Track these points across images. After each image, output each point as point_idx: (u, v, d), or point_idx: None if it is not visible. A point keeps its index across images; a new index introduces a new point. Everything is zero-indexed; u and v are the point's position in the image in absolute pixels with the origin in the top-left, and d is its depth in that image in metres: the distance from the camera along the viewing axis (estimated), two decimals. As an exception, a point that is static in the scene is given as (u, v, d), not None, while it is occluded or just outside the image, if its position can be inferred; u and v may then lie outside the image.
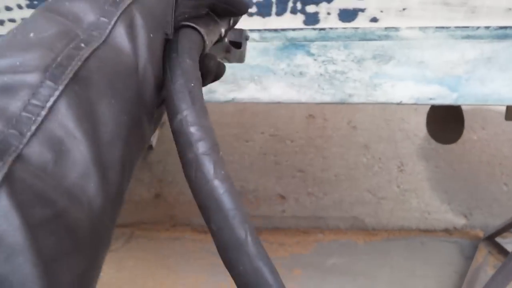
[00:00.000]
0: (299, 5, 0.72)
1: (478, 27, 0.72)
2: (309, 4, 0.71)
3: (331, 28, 0.74)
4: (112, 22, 0.31)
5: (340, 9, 0.71)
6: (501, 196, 1.87)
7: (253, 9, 0.73)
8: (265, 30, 0.75)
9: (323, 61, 0.77)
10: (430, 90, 0.79)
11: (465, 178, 1.96)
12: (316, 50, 0.76)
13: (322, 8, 0.72)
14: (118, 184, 0.29)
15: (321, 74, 0.79)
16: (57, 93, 0.25)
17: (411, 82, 0.79)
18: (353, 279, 1.67)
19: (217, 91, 0.84)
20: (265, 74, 0.80)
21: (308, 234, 1.83)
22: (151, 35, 0.34)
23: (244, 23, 0.76)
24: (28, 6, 0.79)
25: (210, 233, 0.29)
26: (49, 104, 0.25)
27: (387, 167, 2.03)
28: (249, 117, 2.28)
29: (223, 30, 0.48)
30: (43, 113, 0.24)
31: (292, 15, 0.73)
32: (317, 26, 0.74)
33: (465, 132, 1.73)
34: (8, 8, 0.80)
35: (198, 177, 0.29)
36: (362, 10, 0.71)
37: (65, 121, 0.25)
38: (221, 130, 2.21)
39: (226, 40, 0.52)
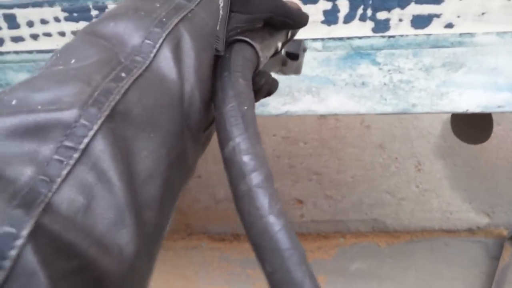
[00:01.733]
0: (369, 12, 0.66)
1: (559, 32, 0.67)
2: (380, 10, 0.66)
3: (401, 36, 0.69)
4: (157, 45, 0.29)
5: (413, 15, 0.66)
6: (522, 193, 1.85)
7: (319, 17, 0.67)
8: (329, 39, 0.70)
9: (388, 70, 0.72)
10: (499, 97, 0.74)
11: (484, 176, 1.92)
12: (383, 58, 0.71)
13: (394, 14, 0.66)
14: (156, 223, 0.28)
15: (385, 84, 0.74)
16: (91, 133, 0.23)
17: (480, 90, 0.74)
18: (379, 284, 1.63)
19: (269, 104, 0.78)
20: (323, 86, 0.75)
21: (329, 238, 1.78)
22: (201, 55, 0.32)
23: (306, 33, 0.70)
24: (67, 19, 0.72)
25: (263, 274, 0.26)
26: (82, 146, 0.23)
27: (404, 166, 1.99)
28: (259, 119, 2.21)
29: (279, 44, 0.45)
30: (76, 155, 0.23)
31: (361, 23, 0.67)
32: (387, 33, 0.69)
33: (481, 128, 1.70)
34: (43, 22, 0.73)
35: (252, 212, 0.27)
36: (438, 16, 0.66)
37: (98, 163, 0.23)
38: (231, 133, 2.15)
39: (282, 52, 0.48)
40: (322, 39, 0.70)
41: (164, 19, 0.31)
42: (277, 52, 0.45)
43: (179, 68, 0.30)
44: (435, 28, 0.68)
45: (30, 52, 0.78)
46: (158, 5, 0.32)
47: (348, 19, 0.67)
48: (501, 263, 1.62)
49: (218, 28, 0.35)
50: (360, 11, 0.66)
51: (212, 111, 0.35)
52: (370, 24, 0.68)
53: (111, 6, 0.69)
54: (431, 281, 1.62)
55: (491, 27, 0.67)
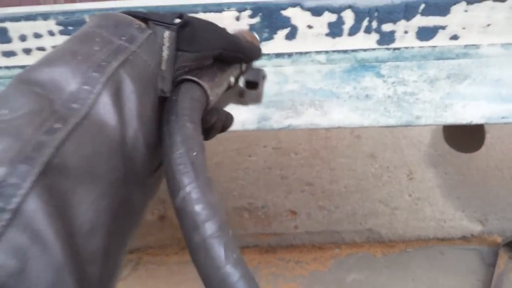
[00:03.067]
0: (374, 24, 0.65)
1: None
2: (386, 22, 0.65)
3: (406, 48, 0.68)
4: (95, 91, 0.28)
5: (419, 27, 0.66)
6: (513, 199, 1.86)
7: (323, 30, 0.66)
8: (334, 51, 0.69)
9: (393, 83, 0.71)
10: (503, 108, 0.74)
11: (475, 184, 1.93)
12: (387, 71, 0.70)
13: (400, 26, 0.65)
14: (101, 276, 0.27)
15: (389, 96, 0.73)
16: (22, 192, 0.22)
17: (484, 101, 0.73)
18: (376, 295, 1.62)
19: (272, 118, 0.77)
20: (327, 99, 0.73)
21: (324, 249, 1.77)
22: (143, 98, 0.31)
23: (311, 45, 0.69)
24: (62, 33, 0.70)
25: None
26: (12, 206, 0.21)
27: (396, 176, 1.99)
28: (250, 132, 2.21)
29: (232, 79, 0.44)
30: (6, 217, 0.21)
31: (366, 35, 0.67)
32: (392, 45, 0.68)
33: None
34: (37, 35, 0.71)
35: (208, 264, 0.26)
36: (443, 28, 0.66)
37: (32, 223, 0.22)
38: (221, 145, 2.13)
39: (240, 82, 0.47)
40: (326, 52, 0.69)
41: (103, 63, 0.30)
42: (230, 86, 0.44)
43: (120, 113, 0.29)
44: (440, 40, 0.67)
45: (23, 67, 0.76)
46: (97, 49, 0.30)
47: (353, 31, 0.66)
48: (497, 270, 1.62)
49: (164, 68, 0.34)
50: (365, 23, 0.65)
51: (159, 155, 0.33)
52: (375, 36, 0.67)
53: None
54: (428, 291, 1.62)
55: (495, 39, 0.67)
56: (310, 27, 0.66)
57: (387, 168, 2.03)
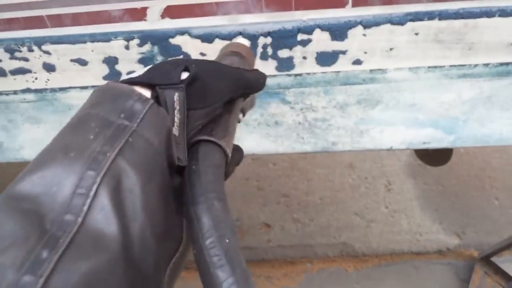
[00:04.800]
0: (270, 50, 0.62)
1: (476, 65, 0.63)
2: (281, 48, 0.61)
3: (308, 73, 0.64)
4: (92, 193, 0.25)
5: (317, 53, 0.62)
6: (493, 212, 1.80)
7: (217, 57, 0.63)
8: (233, 78, 0.65)
9: (301, 109, 0.68)
10: (423, 133, 0.70)
11: (455, 195, 1.88)
12: (293, 97, 0.67)
13: (297, 52, 0.62)
14: None
15: (299, 123, 0.69)
16: None
17: (402, 127, 0.69)
18: (346, 312, 1.57)
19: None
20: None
21: (295, 264, 1.73)
22: (147, 187, 0.28)
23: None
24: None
25: None
26: None
27: (374, 186, 1.94)
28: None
29: (241, 116, 0.42)
30: None
31: (263, 61, 0.63)
32: (292, 71, 0.64)
33: (452, 146, 1.65)
34: None
35: None
36: (343, 52, 0.62)
37: None
38: (198, 155, 2.11)
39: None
40: (226, 79, 0.65)
41: (99, 156, 0.26)
42: (239, 122, 0.41)
43: (121, 213, 0.26)
44: (343, 65, 0.63)
45: None
46: (91, 137, 0.27)
47: (249, 58, 0.63)
48: (471, 286, 1.57)
49: (177, 133, 0.31)
50: (259, 49, 0.62)
51: (173, 240, 0.31)
52: (273, 63, 0.63)
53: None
54: (399, 308, 1.57)
55: (401, 63, 0.63)
56: (203, 54, 0.62)
57: (365, 179, 1.99)
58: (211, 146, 0.33)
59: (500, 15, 0.58)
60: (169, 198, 0.31)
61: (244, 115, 0.45)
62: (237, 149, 0.40)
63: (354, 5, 0.57)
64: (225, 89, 0.35)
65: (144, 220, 0.27)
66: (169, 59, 0.36)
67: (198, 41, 0.61)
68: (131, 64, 0.64)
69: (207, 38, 0.61)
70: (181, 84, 0.31)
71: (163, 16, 0.60)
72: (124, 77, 0.33)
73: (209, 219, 0.28)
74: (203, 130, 0.34)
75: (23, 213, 0.24)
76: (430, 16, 0.58)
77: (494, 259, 1.60)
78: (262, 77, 0.40)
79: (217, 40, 0.61)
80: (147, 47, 0.62)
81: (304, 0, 0.57)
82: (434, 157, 1.47)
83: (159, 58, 0.63)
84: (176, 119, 0.31)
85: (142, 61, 0.64)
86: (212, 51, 0.62)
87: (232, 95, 0.36)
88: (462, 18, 0.58)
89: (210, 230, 0.27)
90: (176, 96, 0.31)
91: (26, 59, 0.65)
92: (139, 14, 0.60)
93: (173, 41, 0.61)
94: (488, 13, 0.58)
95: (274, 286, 1.66)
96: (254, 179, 2.02)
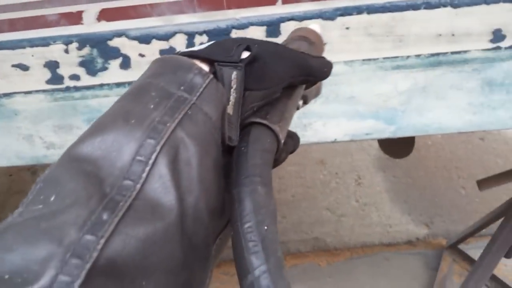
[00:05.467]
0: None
1: (408, 56, 0.65)
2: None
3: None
4: (151, 162, 0.25)
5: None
6: (460, 200, 1.84)
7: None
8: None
9: (244, 105, 0.69)
10: (365, 125, 0.72)
11: (423, 186, 1.92)
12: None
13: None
14: None
15: (244, 119, 0.71)
16: None
17: (343, 119, 0.71)
18: (319, 306, 1.60)
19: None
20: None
21: (269, 261, 1.74)
22: (204, 160, 0.28)
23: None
24: None
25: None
26: None
27: (345, 181, 1.97)
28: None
29: (300, 102, 0.40)
30: None
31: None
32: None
33: (420, 138, 1.69)
34: None
35: None
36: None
37: None
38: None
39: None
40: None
41: (159, 126, 0.26)
42: (298, 109, 0.40)
43: (178, 184, 0.26)
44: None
45: None
46: (152, 106, 0.28)
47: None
48: (439, 274, 1.60)
49: (231, 112, 0.31)
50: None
51: (223, 215, 0.31)
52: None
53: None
54: (371, 299, 1.60)
55: (336, 57, 0.65)
56: (142, 55, 0.63)
57: (336, 174, 2.01)
58: (263, 129, 0.32)
59: (425, 8, 0.60)
60: (221, 176, 0.31)
61: (306, 103, 0.43)
62: (292, 136, 0.39)
63: (285, 1, 0.59)
64: (285, 73, 0.34)
65: (199, 193, 0.27)
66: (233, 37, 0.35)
67: (136, 42, 0.62)
68: (72, 67, 0.65)
69: (145, 39, 0.62)
70: (241, 63, 0.31)
71: (99, 19, 0.61)
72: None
73: (251, 203, 0.27)
74: (258, 112, 0.33)
75: (84, 174, 0.25)
76: (358, 10, 0.60)
77: (461, 246, 1.64)
78: (328, 65, 0.39)
79: (154, 41, 0.62)
80: (86, 50, 0.63)
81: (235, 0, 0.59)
82: (397, 149, 1.50)
83: (99, 61, 0.64)
84: (232, 98, 0.31)
85: (83, 64, 0.64)
86: (150, 51, 0.63)
87: (292, 80, 0.35)
88: (389, 11, 0.60)
89: (249, 214, 0.27)
90: (234, 74, 0.31)
91: (-34, 67, 0.65)
92: (75, 17, 0.61)
93: (111, 43, 0.62)
94: (413, 6, 0.60)
95: (248, 284, 1.68)
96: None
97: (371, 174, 1.99)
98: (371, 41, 0.63)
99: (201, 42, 0.61)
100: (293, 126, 0.70)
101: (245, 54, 0.32)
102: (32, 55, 0.63)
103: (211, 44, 0.33)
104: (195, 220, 0.27)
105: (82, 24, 0.61)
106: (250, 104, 0.33)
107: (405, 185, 1.93)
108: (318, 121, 0.71)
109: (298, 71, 0.35)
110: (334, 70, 0.66)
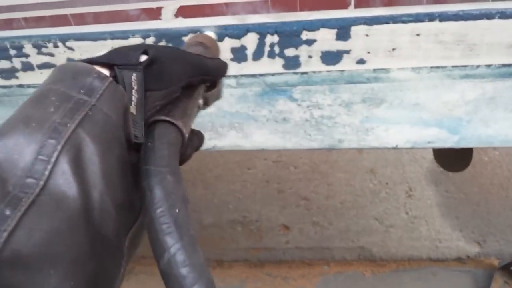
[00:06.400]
0: (277, 49, 0.65)
1: (478, 66, 0.65)
2: (288, 47, 0.65)
3: (314, 72, 0.67)
4: (53, 160, 0.26)
5: (322, 52, 0.65)
6: (515, 221, 1.78)
7: (228, 55, 0.66)
8: (242, 75, 0.69)
9: (307, 106, 0.71)
10: (428, 133, 0.72)
11: (477, 203, 1.86)
12: (300, 95, 0.70)
13: (303, 51, 0.65)
14: None
15: (306, 120, 0.72)
16: None
17: (406, 126, 0.71)
18: (361, 315, 1.58)
19: (196, 139, 0.77)
20: (245, 121, 0.73)
21: (312, 266, 1.74)
22: (107, 157, 0.29)
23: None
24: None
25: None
26: None
27: (395, 192, 1.94)
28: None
29: (201, 102, 0.42)
30: None
31: (270, 59, 0.66)
32: (299, 70, 0.67)
33: (475, 153, 1.64)
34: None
35: None
36: (347, 52, 0.64)
37: None
38: (222, 157, 2.15)
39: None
40: (235, 76, 0.69)
41: (59, 127, 0.27)
42: (199, 108, 0.43)
43: (81, 180, 0.27)
44: (347, 64, 0.66)
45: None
46: (52, 110, 0.28)
47: (257, 56, 0.66)
48: (490, 295, 1.55)
49: (135, 112, 0.33)
50: (267, 48, 0.65)
51: (131, 211, 0.33)
52: (280, 61, 0.66)
53: (27, 45, 0.70)
54: (416, 313, 1.56)
55: (404, 63, 0.65)
56: (214, 51, 0.66)
57: (386, 184, 1.99)
58: (167, 125, 0.34)
59: (500, 17, 0.60)
60: (128, 172, 0.32)
61: (208, 105, 0.45)
62: (197, 134, 0.41)
63: (357, 6, 0.60)
64: (182, 73, 0.36)
65: (104, 188, 0.28)
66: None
67: (210, 39, 0.65)
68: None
69: (219, 37, 0.64)
70: (139, 65, 0.33)
71: (176, 15, 0.64)
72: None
73: (161, 190, 0.29)
74: (160, 111, 0.35)
75: None
76: (430, 17, 0.60)
77: (514, 268, 1.58)
78: (223, 65, 0.42)
79: (226, 39, 0.65)
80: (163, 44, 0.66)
81: (308, 2, 0.60)
82: (453, 162, 1.46)
83: (174, 55, 0.67)
84: (134, 99, 0.33)
85: (158, 58, 0.68)
86: (222, 48, 0.66)
87: (190, 79, 0.37)
88: (462, 19, 0.60)
89: (161, 201, 0.29)
90: (134, 76, 0.33)
91: (52, 55, 0.70)
92: (155, 13, 0.64)
93: (186, 39, 0.65)
94: (487, 15, 0.60)
95: (291, 287, 1.68)
96: (275, 181, 2.05)
97: (422, 187, 1.95)
98: (440, 49, 0.63)
99: (270, 42, 0.63)
100: (355, 130, 0.71)
101: (143, 58, 0.34)
102: (112, 47, 0.67)
103: (110, 51, 0.35)
104: (102, 212, 0.28)
105: (160, 19, 0.65)
106: (152, 103, 0.34)
107: (458, 200, 1.88)
108: (380, 126, 0.71)
109: (195, 71, 0.38)
110: (401, 76, 0.66)
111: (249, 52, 0.66)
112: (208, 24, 0.64)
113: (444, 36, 0.62)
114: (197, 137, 0.41)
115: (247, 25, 0.63)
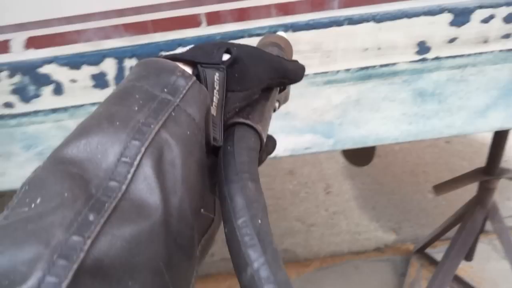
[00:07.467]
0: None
1: (338, 71, 0.67)
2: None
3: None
4: (136, 163, 0.25)
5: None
6: (427, 204, 1.87)
7: (88, 83, 0.64)
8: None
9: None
10: (304, 139, 0.73)
11: (391, 191, 1.94)
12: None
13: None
14: None
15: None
16: None
17: (281, 135, 0.72)
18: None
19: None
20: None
21: (240, 275, 1.74)
22: (188, 160, 0.28)
23: (83, 98, 0.67)
24: None
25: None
26: None
27: (314, 191, 1.98)
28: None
29: (277, 104, 0.42)
30: None
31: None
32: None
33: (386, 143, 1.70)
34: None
35: None
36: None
37: None
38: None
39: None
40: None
41: (143, 128, 0.27)
42: (275, 110, 0.41)
43: (163, 185, 0.26)
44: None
45: None
46: (136, 108, 0.28)
47: (118, 81, 0.64)
48: (407, 279, 1.61)
49: (214, 113, 0.31)
50: (128, 72, 0.63)
51: (207, 216, 0.31)
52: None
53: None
54: (342, 308, 1.60)
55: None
56: (73, 81, 0.64)
57: (305, 184, 2.03)
58: (247, 129, 0.33)
59: (349, 23, 0.62)
60: (205, 177, 0.31)
61: (278, 107, 0.45)
62: (270, 138, 0.40)
63: (209, 23, 0.60)
64: (264, 75, 0.35)
65: (183, 193, 0.27)
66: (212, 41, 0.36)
67: (66, 68, 0.62)
68: (5, 95, 0.65)
69: (75, 64, 0.62)
70: (222, 65, 0.32)
71: (27, 46, 0.61)
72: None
73: (242, 199, 0.28)
74: (240, 113, 0.34)
75: (70, 176, 0.24)
76: (283, 28, 0.61)
77: (428, 250, 1.66)
78: (301, 68, 0.41)
79: (84, 66, 0.62)
80: (17, 78, 0.63)
81: (161, 23, 0.59)
82: (359, 157, 1.52)
83: (32, 88, 0.64)
84: (215, 99, 0.32)
85: (16, 91, 0.64)
86: (82, 77, 0.63)
87: (270, 81, 0.36)
88: (314, 28, 0.62)
89: (242, 210, 0.27)
90: (216, 76, 0.32)
91: None
92: (3, 46, 0.61)
93: (41, 70, 0.62)
94: (337, 22, 0.62)
95: (217, 299, 1.67)
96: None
97: (339, 182, 2.01)
98: (299, 58, 0.64)
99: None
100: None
101: (225, 57, 0.33)
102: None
103: (192, 48, 0.34)
104: (180, 220, 0.27)
105: (10, 52, 0.61)
106: (232, 105, 0.33)
107: (373, 191, 1.95)
108: (256, 137, 0.71)
109: (275, 73, 0.37)
110: (267, 87, 0.67)
111: (110, 77, 0.64)
112: (62, 53, 0.61)
113: (300, 45, 0.63)
114: (270, 142, 0.40)
115: (103, 51, 0.61)
